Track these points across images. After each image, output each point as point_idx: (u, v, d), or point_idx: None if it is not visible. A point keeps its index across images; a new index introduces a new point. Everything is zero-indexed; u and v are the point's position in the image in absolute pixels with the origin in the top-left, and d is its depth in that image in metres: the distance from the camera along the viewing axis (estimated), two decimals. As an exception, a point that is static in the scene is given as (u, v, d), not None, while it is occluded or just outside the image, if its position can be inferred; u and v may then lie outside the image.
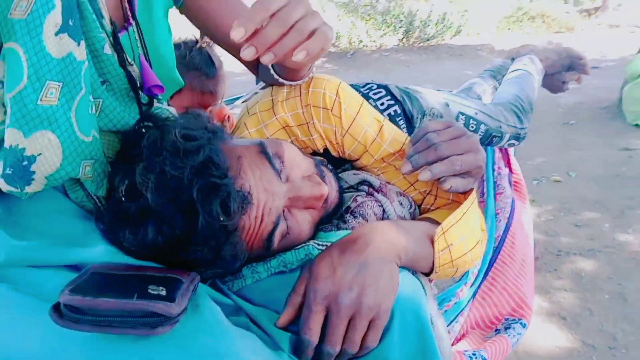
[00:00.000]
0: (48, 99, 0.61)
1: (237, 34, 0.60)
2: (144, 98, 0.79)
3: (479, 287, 1.06)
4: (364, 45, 7.60)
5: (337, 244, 0.66)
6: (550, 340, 1.85)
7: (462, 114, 1.31)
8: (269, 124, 0.92)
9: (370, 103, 1.14)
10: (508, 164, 1.39)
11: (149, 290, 0.53)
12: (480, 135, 1.33)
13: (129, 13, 0.80)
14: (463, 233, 0.75)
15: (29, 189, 0.63)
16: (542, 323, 1.94)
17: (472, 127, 1.31)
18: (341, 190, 0.86)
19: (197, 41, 1.48)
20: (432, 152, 0.77)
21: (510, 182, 1.30)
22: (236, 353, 0.54)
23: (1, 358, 0.54)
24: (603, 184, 3.06)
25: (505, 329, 1.02)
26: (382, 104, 1.20)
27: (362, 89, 1.24)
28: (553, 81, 1.84)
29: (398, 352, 0.62)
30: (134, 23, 0.81)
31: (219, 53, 1.45)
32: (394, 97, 1.22)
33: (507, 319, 1.06)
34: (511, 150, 1.45)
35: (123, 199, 0.64)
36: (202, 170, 0.63)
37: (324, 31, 0.65)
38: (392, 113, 1.19)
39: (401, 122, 1.19)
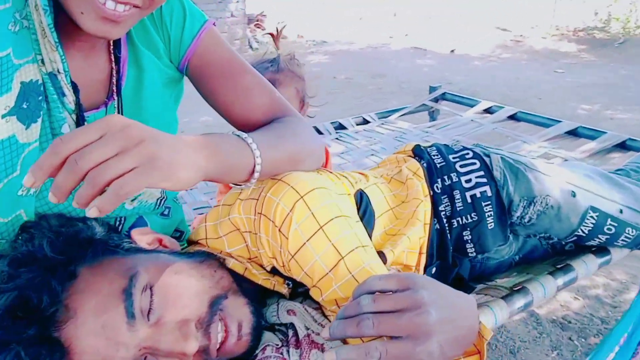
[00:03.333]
0: None
1: (27, 181, 0.52)
2: None
3: None
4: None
5: None
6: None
7: (595, 210, 1.02)
8: (223, 222, 0.79)
9: (452, 176, 1.02)
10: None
11: None
12: (624, 242, 1.07)
13: (114, 88, 0.80)
14: None
15: None
16: None
17: (609, 230, 1.03)
18: (256, 333, 0.71)
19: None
20: (353, 327, 0.59)
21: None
22: None
23: None
24: None
25: None
26: (468, 181, 1.02)
27: (451, 156, 1.07)
28: None
29: None
30: (116, 99, 0.80)
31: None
32: (489, 174, 1.02)
33: None
34: None
35: None
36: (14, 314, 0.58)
37: (125, 182, 0.51)
38: (479, 195, 1.01)
39: (488, 209, 1.00)
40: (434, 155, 1.10)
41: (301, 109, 1.41)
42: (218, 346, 0.66)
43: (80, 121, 0.75)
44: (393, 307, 0.59)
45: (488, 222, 1.01)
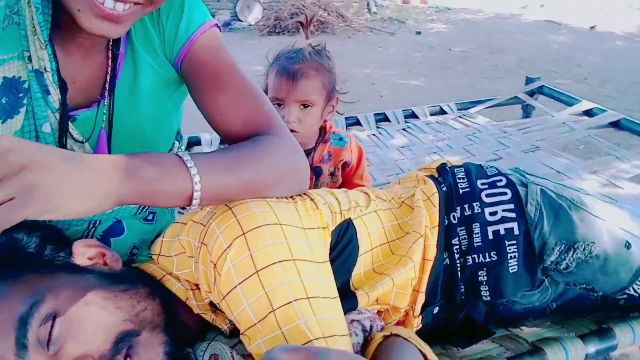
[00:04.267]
0: None
1: None
2: None
3: None
4: None
5: None
6: None
7: None
8: (174, 243, 0.73)
9: (474, 206, 0.89)
10: None
11: None
12: None
13: (107, 86, 0.77)
14: None
15: None
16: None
17: None
18: None
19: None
20: None
21: None
22: None
23: None
24: None
25: None
26: (493, 213, 0.88)
27: (480, 181, 0.93)
28: None
29: None
30: (108, 97, 0.77)
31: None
32: (520, 209, 0.88)
33: None
34: None
35: None
36: None
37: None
38: (502, 231, 0.86)
39: (512, 249, 0.86)
40: (459, 179, 0.96)
41: (326, 103, 1.31)
42: None
43: (63, 120, 0.74)
44: None
45: (510, 264, 0.87)
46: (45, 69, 0.70)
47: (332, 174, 1.37)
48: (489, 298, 0.89)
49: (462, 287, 0.89)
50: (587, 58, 5.20)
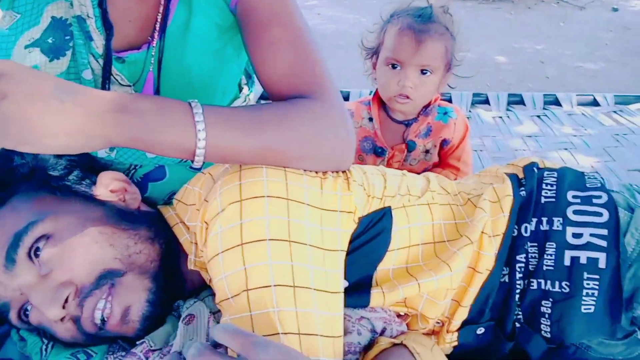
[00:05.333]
0: None
1: None
2: None
3: None
4: None
5: None
6: None
7: None
8: (193, 191, 0.71)
9: (553, 221, 0.75)
10: None
11: None
12: None
13: (157, 27, 0.74)
14: None
15: None
16: None
17: None
18: (147, 323, 0.66)
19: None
20: None
21: None
22: None
23: None
24: None
25: None
26: (577, 235, 0.73)
27: (571, 193, 0.78)
28: None
29: None
30: (158, 39, 0.74)
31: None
32: (615, 238, 0.72)
33: None
34: None
35: None
36: None
37: None
38: (584, 260, 0.72)
39: (591, 285, 0.71)
40: (545, 184, 0.81)
41: (446, 72, 1.18)
42: (99, 322, 0.64)
43: (107, 66, 0.75)
44: None
45: (584, 302, 0.71)
46: (87, 15, 0.70)
47: (427, 151, 1.25)
48: (549, 335, 0.74)
49: (520, 313, 0.75)
50: None
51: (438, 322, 0.76)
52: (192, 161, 0.60)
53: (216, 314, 0.68)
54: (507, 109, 1.80)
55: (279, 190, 0.61)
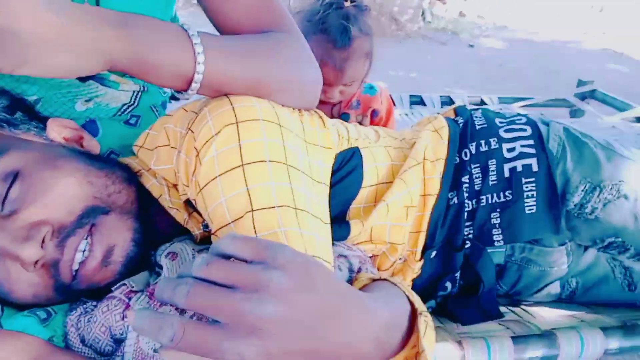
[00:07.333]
0: None
1: None
2: None
3: None
4: None
5: None
6: None
7: None
8: (159, 134, 0.67)
9: (491, 142, 0.82)
10: None
11: None
12: None
13: None
14: None
15: None
16: None
17: None
18: (128, 266, 0.60)
19: None
20: (170, 290, 0.40)
21: None
22: None
23: None
24: None
25: None
26: (510, 150, 0.82)
27: (498, 119, 0.88)
28: None
29: None
30: None
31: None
32: (541, 145, 0.81)
33: None
34: None
35: None
36: None
37: None
38: (520, 168, 0.80)
39: (529, 188, 0.79)
40: (476, 117, 0.89)
41: (369, 67, 1.24)
42: (77, 266, 0.56)
43: None
44: (225, 279, 0.39)
45: (527, 204, 0.79)
46: None
47: (360, 123, 1.29)
48: (502, 243, 0.80)
49: (470, 232, 0.80)
50: (647, 89, 4.93)
51: (400, 259, 0.78)
52: (184, 91, 0.56)
53: (200, 251, 0.62)
54: (410, 108, 1.94)
55: (271, 116, 0.59)
